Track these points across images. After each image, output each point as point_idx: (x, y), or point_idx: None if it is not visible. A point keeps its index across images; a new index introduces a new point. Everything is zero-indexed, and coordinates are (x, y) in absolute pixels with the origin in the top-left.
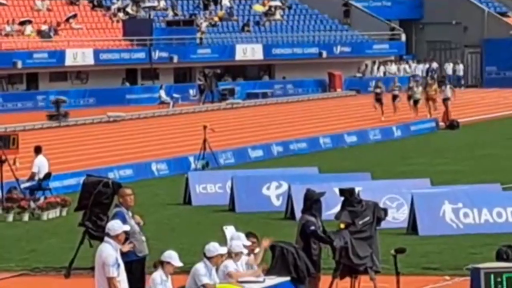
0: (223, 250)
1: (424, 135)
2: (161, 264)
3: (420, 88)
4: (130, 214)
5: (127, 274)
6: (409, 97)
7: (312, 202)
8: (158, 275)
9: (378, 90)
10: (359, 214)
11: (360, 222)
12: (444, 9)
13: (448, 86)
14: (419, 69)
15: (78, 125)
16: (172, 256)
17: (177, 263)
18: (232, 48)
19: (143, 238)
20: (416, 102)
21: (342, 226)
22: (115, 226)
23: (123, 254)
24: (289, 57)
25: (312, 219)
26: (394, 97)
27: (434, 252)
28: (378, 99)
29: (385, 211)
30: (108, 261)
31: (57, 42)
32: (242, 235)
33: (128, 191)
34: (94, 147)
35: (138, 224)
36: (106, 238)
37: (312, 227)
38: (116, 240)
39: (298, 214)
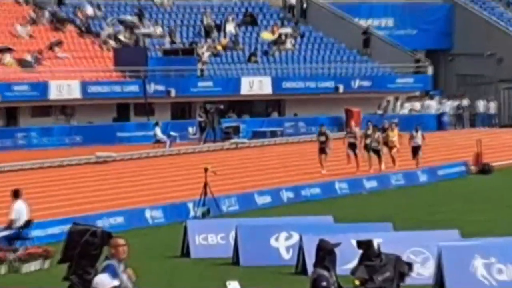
0: None
1: (453, 180)
2: None
3: (378, 134)
4: (122, 267)
5: None
6: (366, 147)
7: (326, 253)
8: None
9: (322, 138)
10: (378, 269)
11: (380, 278)
12: (476, 38)
13: (419, 132)
14: (448, 106)
15: (63, 166)
16: None
17: None
18: (237, 81)
19: None
20: (376, 152)
21: (357, 282)
22: (104, 280)
23: None
24: (301, 92)
25: (325, 273)
26: (351, 146)
27: None
28: (322, 148)
29: (409, 265)
30: None
31: (40, 72)
32: None
33: (121, 241)
34: (81, 191)
35: (130, 279)
36: None
37: (324, 283)
38: None
39: (310, 268)
